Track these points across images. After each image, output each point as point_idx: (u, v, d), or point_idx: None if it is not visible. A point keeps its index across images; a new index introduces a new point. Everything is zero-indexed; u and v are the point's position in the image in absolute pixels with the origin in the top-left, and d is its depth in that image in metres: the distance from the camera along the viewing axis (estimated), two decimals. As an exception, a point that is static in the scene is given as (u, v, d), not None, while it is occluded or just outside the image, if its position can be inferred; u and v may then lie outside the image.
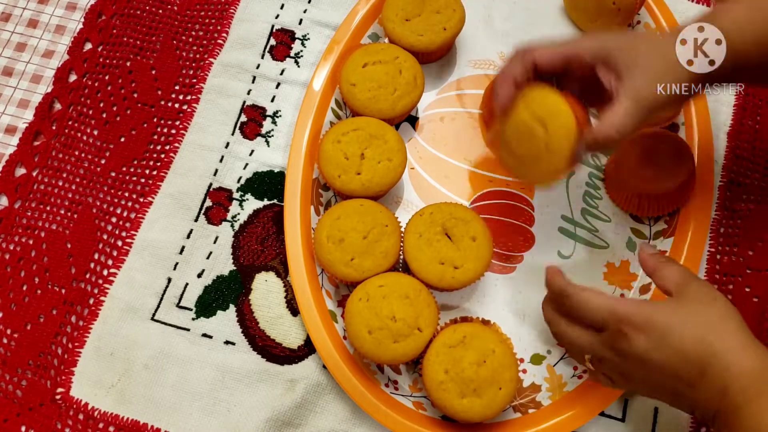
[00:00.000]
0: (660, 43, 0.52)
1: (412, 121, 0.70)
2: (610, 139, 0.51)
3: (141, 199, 0.67)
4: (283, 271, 0.64)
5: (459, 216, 0.59)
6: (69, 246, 0.65)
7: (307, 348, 0.62)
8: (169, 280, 0.64)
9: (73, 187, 0.67)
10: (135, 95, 0.71)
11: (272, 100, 0.71)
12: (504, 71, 0.56)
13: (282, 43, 0.73)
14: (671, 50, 0.51)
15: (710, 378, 0.45)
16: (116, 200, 0.67)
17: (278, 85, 0.71)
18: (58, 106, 0.70)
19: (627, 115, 0.50)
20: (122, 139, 0.69)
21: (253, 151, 0.69)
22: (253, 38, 0.72)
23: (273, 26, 0.73)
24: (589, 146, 0.52)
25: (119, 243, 0.65)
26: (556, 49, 0.54)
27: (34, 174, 0.68)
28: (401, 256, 0.61)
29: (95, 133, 0.69)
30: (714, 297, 0.48)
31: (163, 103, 0.71)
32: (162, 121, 0.70)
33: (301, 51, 0.73)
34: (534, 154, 0.54)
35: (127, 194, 0.67)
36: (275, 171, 0.68)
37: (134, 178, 0.68)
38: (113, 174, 0.68)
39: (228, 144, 0.69)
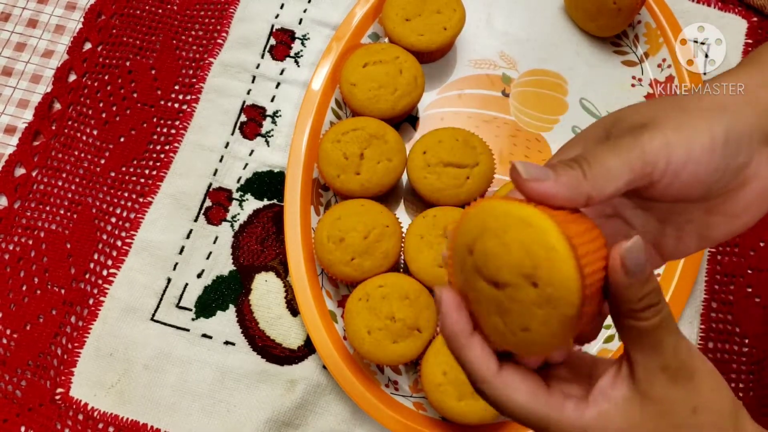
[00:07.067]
0: None
1: (413, 121, 0.70)
2: None
3: (141, 199, 0.67)
4: (283, 271, 0.64)
5: (461, 220, 0.59)
6: (69, 246, 0.65)
7: (307, 348, 0.61)
8: (169, 280, 0.64)
9: (73, 187, 0.67)
10: (135, 95, 0.71)
11: (272, 100, 0.71)
12: None
13: (282, 43, 0.73)
14: None
15: None
16: (116, 200, 0.67)
17: (278, 84, 0.71)
18: (57, 106, 0.70)
19: None
20: (122, 139, 0.69)
21: (252, 151, 0.69)
22: (253, 38, 0.72)
23: (273, 26, 0.73)
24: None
25: (119, 243, 0.65)
26: None
27: (34, 174, 0.68)
28: (402, 257, 0.61)
29: (95, 133, 0.69)
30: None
31: (162, 103, 0.71)
32: (162, 121, 0.70)
33: (301, 51, 0.73)
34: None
35: (126, 194, 0.67)
36: (275, 171, 0.68)
37: (134, 178, 0.68)
38: (113, 174, 0.68)
39: (228, 144, 0.69)
